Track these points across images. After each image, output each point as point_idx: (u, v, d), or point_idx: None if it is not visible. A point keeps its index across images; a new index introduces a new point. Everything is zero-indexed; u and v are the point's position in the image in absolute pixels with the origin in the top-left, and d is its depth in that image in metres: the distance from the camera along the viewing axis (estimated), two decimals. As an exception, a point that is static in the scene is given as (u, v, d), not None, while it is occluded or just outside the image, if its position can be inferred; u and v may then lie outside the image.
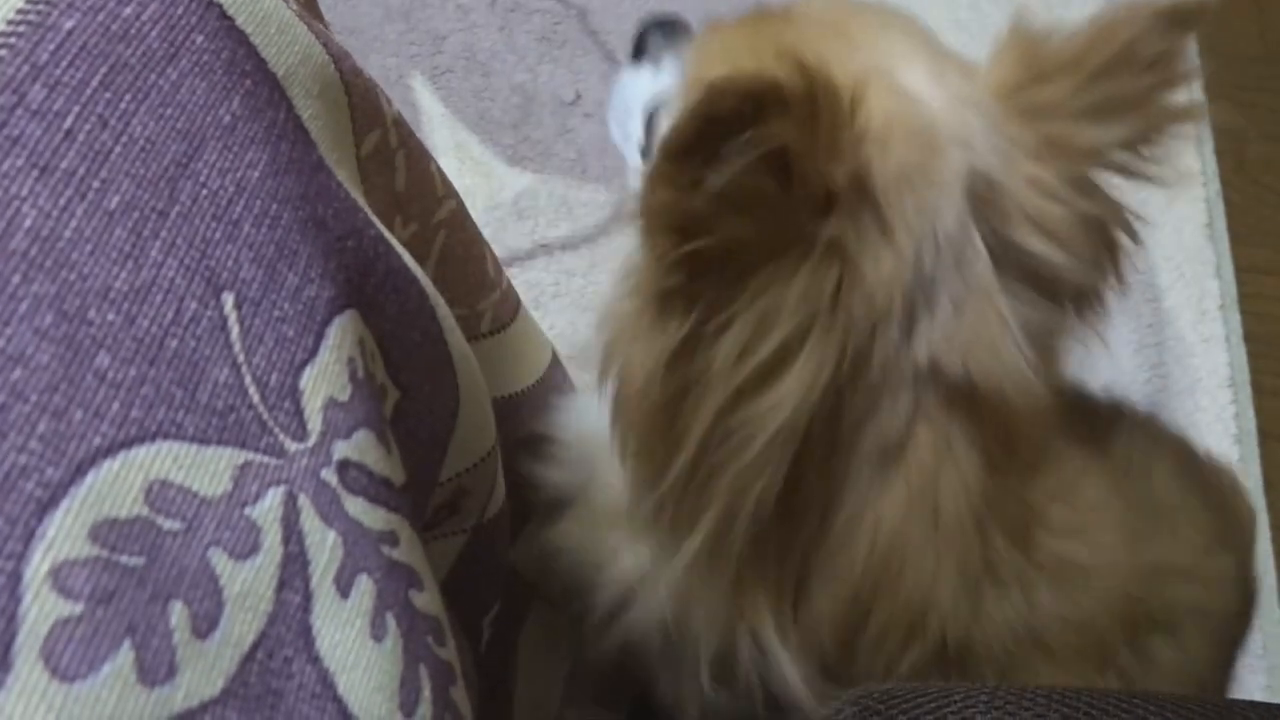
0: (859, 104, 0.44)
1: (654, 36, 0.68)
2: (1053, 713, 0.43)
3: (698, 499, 0.45)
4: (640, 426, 0.46)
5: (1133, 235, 0.53)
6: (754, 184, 0.40)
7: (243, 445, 0.28)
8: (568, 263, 1.05)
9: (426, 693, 0.31)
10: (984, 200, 0.47)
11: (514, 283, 1.02)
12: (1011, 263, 0.48)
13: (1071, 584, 0.51)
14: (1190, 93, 0.51)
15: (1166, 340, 1.04)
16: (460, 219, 0.51)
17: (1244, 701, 0.49)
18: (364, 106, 0.41)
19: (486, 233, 1.04)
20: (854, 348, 0.44)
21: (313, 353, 0.31)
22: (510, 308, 0.56)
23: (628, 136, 0.67)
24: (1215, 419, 1.02)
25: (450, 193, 0.50)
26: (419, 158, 0.46)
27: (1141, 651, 0.53)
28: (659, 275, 0.43)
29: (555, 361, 0.62)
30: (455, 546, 0.50)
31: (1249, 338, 1.06)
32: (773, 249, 0.42)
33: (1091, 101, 0.49)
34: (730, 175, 0.38)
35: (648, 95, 0.66)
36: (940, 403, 0.47)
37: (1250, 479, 0.99)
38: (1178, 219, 1.11)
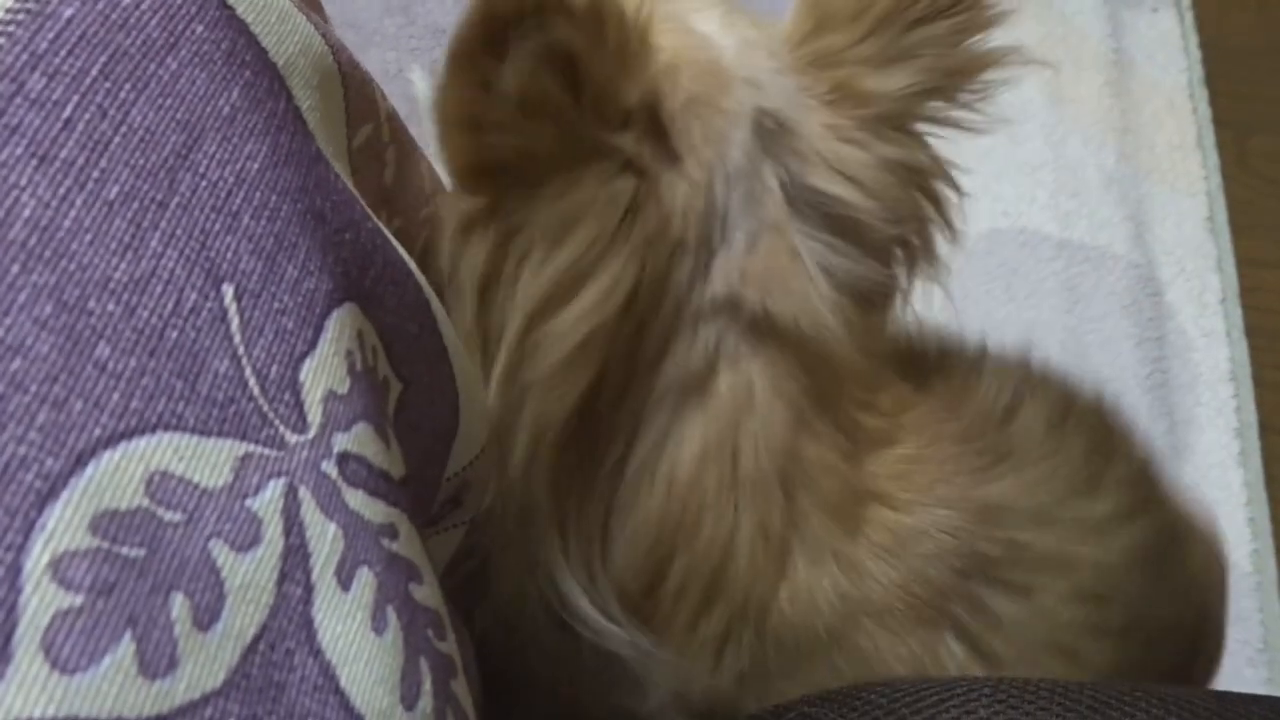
0: (646, 30, 0.44)
1: None
2: (1055, 706, 0.43)
3: (513, 424, 0.45)
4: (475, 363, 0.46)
5: (953, 185, 0.52)
6: (544, 88, 0.40)
7: (243, 437, 0.28)
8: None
9: (427, 685, 0.30)
10: (774, 139, 0.47)
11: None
12: (809, 204, 0.48)
13: (898, 546, 0.49)
14: (1001, 37, 0.50)
15: (1167, 334, 1.04)
16: None
17: (1246, 695, 0.49)
18: (359, 99, 0.41)
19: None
20: (650, 271, 0.44)
21: (312, 345, 0.31)
22: None
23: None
24: (1216, 413, 1.02)
25: (438, 189, 0.50)
26: (409, 153, 0.47)
27: (979, 606, 0.49)
28: (459, 198, 0.43)
29: None
30: (456, 539, 0.50)
31: (1250, 332, 1.06)
32: (567, 160, 0.42)
33: (880, 49, 0.48)
34: (519, 76, 0.39)
35: None
36: (743, 339, 0.46)
37: (1251, 473, 0.99)
38: (1179, 213, 1.11)
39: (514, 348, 0.44)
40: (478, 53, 0.39)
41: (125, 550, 0.25)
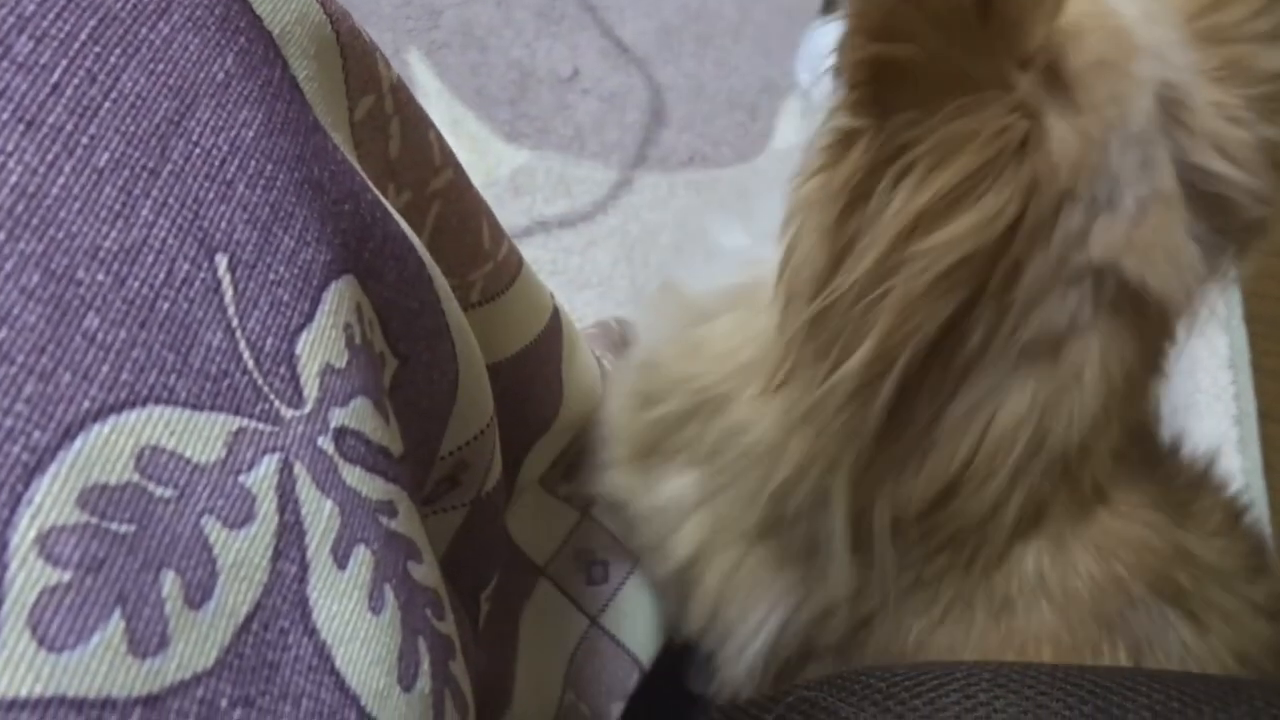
0: None
1: None
2: (1055, 691, 0.43)
3: (856, 328, 0.44)
4: (810, 275, 0.45)
5: None
6: (959, 4, 0.40)
7: (237, 411, 0.27)
8: (565, 240, 1.04)
9: (425, 666, 0.30)
10: (1173, 111, 0.47)
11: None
12: (1191, 183, 0.47)
13: (1108, 546, 0.51)
14: None
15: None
16: (459, 190, 0.50)
17: (1249, 680, 0.48)
18: (359, 70, 0.40)
19: (482, 210, 1.03)
20: (1034, 214, 0.43)
21: (309, 318, 0.30)
22: (505, 278, 0.55)
23: (816, 82, 0.68)
24: (1215, 399, 1.01)
25: (449, 162, 0.49)
26: (416, 125, 0.45)
27: (1162, 624, 0.52)
28: (849, 100, 0.43)
29: (550, 330, 0.61)
30: (455, 521, 0.49)
31: (1249, 319, 1.05)
32: (964, 85, 0.42)
33: (1275, 25, 0.48)
34: None
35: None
36: (1105, 310, 0.46)
37: (1249, 460, 0.99)
38: (1179, 199, 1.10)
39: (876, 263, 0.43)
40: None
41: (115, 526, 0.24)
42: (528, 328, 0.59)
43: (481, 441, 0.48)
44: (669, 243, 1.05)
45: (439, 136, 0.48)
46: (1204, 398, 1.01)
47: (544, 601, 0.64)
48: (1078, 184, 0.44)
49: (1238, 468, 0.98)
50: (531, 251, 1.04)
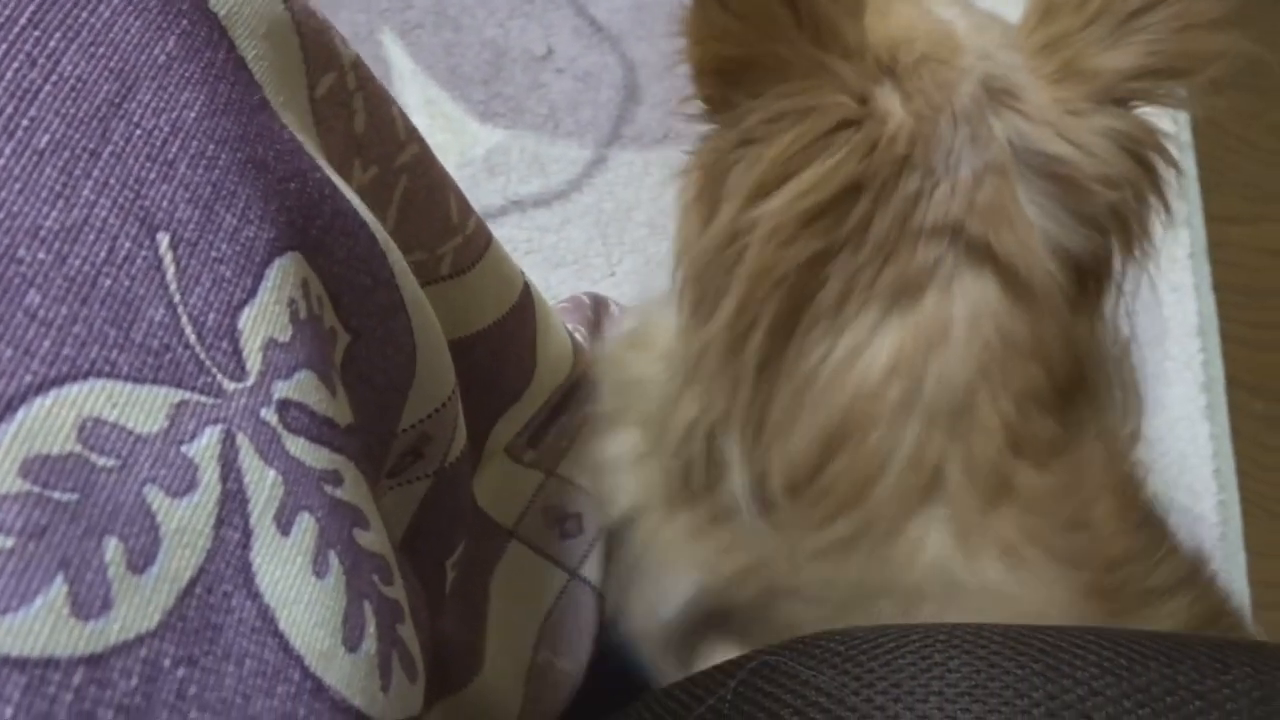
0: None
1: None
2: (1007, 650, 0.44)
3: (721, 285, 0.49)
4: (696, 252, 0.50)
5: (1171, 161, 0.54)
6: (767, 6, 0.46)
7: (179, 384, 0.28)
8: (540, 219, 1.05)
9: (371, 629, 0.31)
10: (1002, 97, 0.50)
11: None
12: (1030, 164, 0.50)
13: (1013, 564, 0.51)
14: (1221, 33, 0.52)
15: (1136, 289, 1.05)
16: (424, 164, 0.51)
17: (1196, 635, 0.49)
18: (317, 47, 0.40)
19: (458, 189, 1.04)
20: (873, 175, 0.48)
21: (251, 293, 0.31)
22: (474, 251, 0.56)
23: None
24: (1184, 366, 1.02)
25: (413, 137, 0.50)
26: (379, 101, 0.46)
27: None
28: (702, 105, 0.50)
29: (521, 306, 0.62)
30: (419, 491, 0.50)
31: (1218, 287, 1.06)
32: (794, 71, 0.47)
33: (1104, 33, 0.51)
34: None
35: None
36: (962, 262, 0.49)
37: (1218, 426, 1.00)
38: (1148, 169, 1.11)
39: (730, 222, 0.48)
40: None
41: (57, 495, 0.25)
42: (499, 302, 0.60)
43: (443, 414, 0.49)
44: (643, 220, 1.06)
45: (401, 112, 0.49)
46: (1173, 365, 1.02)
47: (516, 563, 0.65)
48: (913, 153, 0.48)
49: (1206, 434, 0.99)
50: (507, 230, 1.04)
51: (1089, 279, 0.53)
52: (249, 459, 0.29)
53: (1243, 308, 1.07)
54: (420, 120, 1.12)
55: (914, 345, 0.49)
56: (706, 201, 0.50)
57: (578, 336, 0.74)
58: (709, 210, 0.50)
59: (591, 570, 0.68)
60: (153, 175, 0.29)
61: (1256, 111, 1.18)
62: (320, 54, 0.41)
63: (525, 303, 0.63)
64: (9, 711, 0.22)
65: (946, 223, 0.49)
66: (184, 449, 0.28)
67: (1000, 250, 0.49)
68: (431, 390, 0.47)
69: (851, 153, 0.47)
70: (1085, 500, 0.53)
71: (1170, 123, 1.12)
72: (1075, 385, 0.53)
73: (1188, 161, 1.11)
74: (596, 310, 0.83)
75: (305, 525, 0.30)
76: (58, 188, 0.28)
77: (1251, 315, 1.08)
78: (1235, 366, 1.03)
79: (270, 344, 0.31)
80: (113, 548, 0.25)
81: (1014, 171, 0.50)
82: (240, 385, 0.29)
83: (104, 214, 0.28)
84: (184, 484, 0.27)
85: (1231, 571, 0.94)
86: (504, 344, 0.61)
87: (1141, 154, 0.53)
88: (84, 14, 0.30)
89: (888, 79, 0.49)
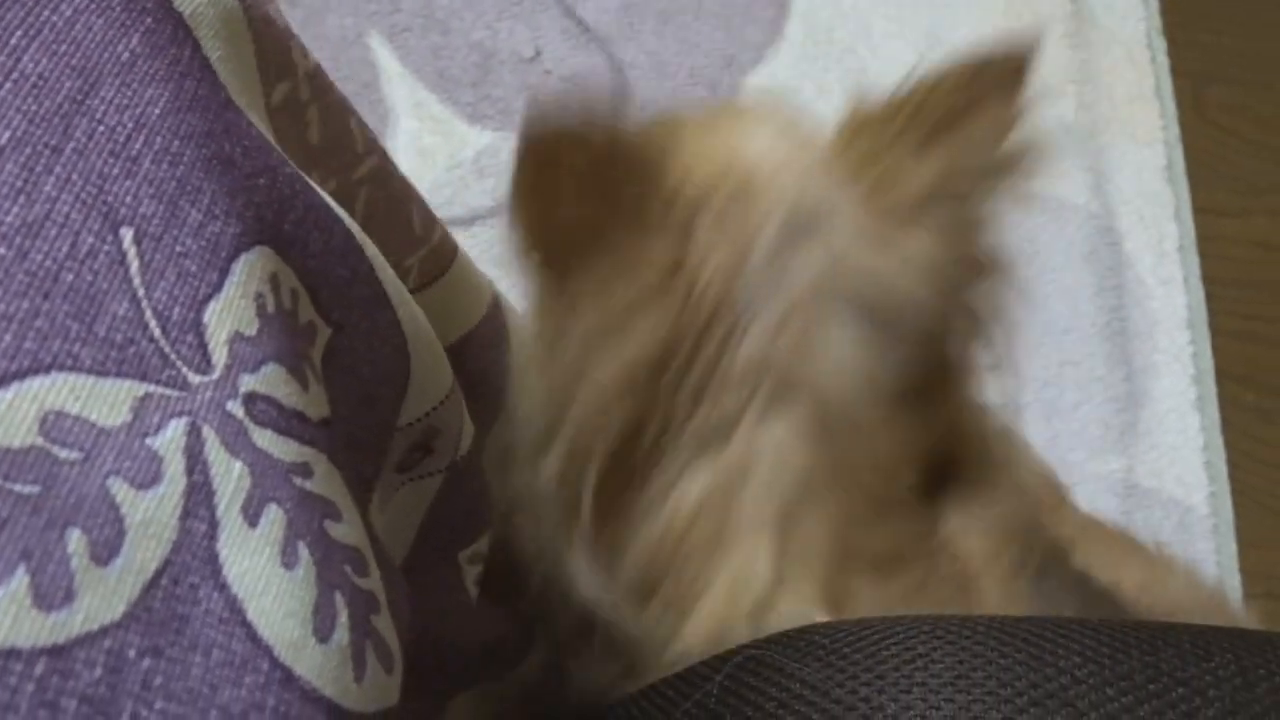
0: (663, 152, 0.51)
1: None
2: (991, 640, 0.44)
3: (551, 429, 0.50)
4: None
5: (992, 269, 0.55)
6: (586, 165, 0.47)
7: (143, 378, 0.28)
8: (529, 220, 1.05)
9: (343, 619, 0.31)
10: (806, 230, 0.51)
11: (475, 241, 1.02)
12: (843, 289, 0.51)
13: None
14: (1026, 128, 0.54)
15: (1126, 283, 1.05)
16: (384, 175, 0.51)
17: (1179, 624, 0.49)
18: (272, 55, 0.40)
19: (447, 192, 1.04)
20: (687, 327, 0.49)
21: (217, 288, 0.31)
22: (441, 263, 0.56)
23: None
24: (1174, 359, 1.02)
25: (373, 149, 0.50)
26: (337, 112, 0.46)
27: None
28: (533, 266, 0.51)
29: (491, 314, 0.62)
30: (433, 486, 0.50)
31: (1207, 279, 1.06)
32: (614, 227, 0.49)
33: (912, 143, 0.52)
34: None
35: None
36: (769, 401, 0.50)
37: (1208, 418, 1.00)
38: (1136, 162, 1.11)
39: (562, 383, 0.50)
40: (533, 163, 0.48)
41: (18, 487, 0.25)
42: (470, 312, 0.61)
43: (449, 406, 0.49)
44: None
45: (361, 124, 0.49)
46: (1163, 358, 1.03)
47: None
48: (723, 301, 0.50)
49: (1196, 426, 0.99)
50: (496, 232, 1.04)
51: (914, 393, 0.53)
52: (215, 451, 0.29)
53: (1232, 300, 1.07)
54: (409, 123, 1.12)
55: (724, 478, 0.50)
56: (549, 368, 0.51)
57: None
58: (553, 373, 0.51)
59: None
60: (116, 171, 0.30)
61: (1244, 105, 1.18)
62: (275, 61, 0.41)
63: (494, 313, 0.63)
64: (-31, 701, 0.22)
65: (754, 364, 0.50)
66: (149, 441, 0.28)
67: (808, 384, 0.50)
68: (430, 385, 0.47)
69: (668, 310, 0.49)
70: (954, 586, 0.53)
71: (1159, 116, 1.12)
72: (925, 484, 0.53)
73: (1176, 155, 1.11)
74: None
75: (273, 517, 0.30)
76: (19, 184, 0.28)
77: (1241, 308, 1.08)
78: (1225, 359, 1.03)
79: (236, 337, 0.31)
80: (75, 539, 0.25)
81: (822, 304, 0.50)
82: (206, 378, 0.30)
83: (66, 209, 0.28)
84: (149, 476, 0.27)
85: (1223, 563, 0.94)
86: (480, 354, 0.61)
87: (954, 272, 0.53)
88: (46, 12, 0.30)
89: (700, 223, 0.50)
